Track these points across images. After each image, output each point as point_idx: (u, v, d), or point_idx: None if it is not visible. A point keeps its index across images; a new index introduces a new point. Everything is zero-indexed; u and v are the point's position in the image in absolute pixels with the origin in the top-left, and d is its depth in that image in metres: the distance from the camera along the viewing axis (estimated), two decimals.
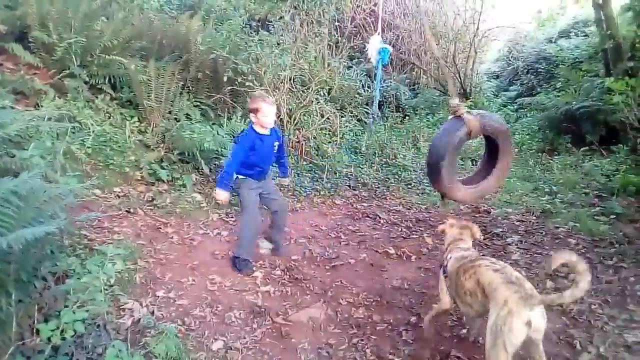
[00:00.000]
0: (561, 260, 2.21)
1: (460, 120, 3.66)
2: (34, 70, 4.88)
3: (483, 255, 2.92)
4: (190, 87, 5.90)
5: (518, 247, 4.41)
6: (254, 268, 3.87)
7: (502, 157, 3.96)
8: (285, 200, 4.25)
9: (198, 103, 5.83)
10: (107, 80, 5.21)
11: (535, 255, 4.22)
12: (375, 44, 4.08)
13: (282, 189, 5.06)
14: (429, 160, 3.85)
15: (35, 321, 2.27)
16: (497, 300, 2.22)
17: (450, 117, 3.79)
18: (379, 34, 4.12)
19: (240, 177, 3.84)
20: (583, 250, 4.22)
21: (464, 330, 3.09)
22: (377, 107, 7.89)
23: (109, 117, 5.00)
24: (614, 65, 7.30)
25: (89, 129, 4.55)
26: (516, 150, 8.23)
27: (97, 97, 5.02)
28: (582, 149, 7.43)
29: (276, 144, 3.93)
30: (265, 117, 3.69)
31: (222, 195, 3.71)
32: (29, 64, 4.84)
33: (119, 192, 4.35)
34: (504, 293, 2.21)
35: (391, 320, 3.26)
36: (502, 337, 2.13)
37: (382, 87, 9.96)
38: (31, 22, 4.78)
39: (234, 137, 5.67)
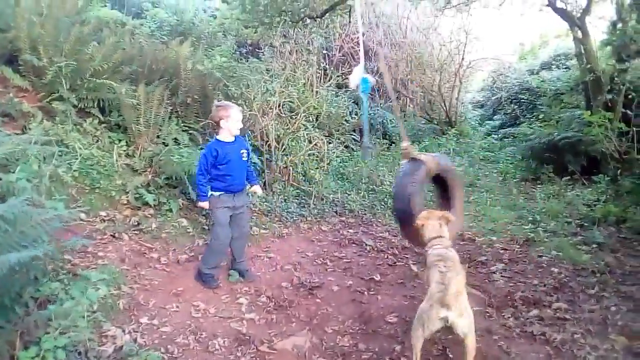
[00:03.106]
0: None
1: (417, 162, 3.77)
2: (23, 93, 4.86)
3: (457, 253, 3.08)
4: (179, 112, 5.92)
5: (502, 275, 4.44)
6: (224, 285, 3.94)
7: (456, 193, 4.07)
8: (247, 227, 4.21)
9: (187, 128, 5.84)
10: (96, 104, 5.19)
11: (519, 283, 4.26)
12: (357, 74, 4.20)
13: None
14: (397, 206, 3.81)
15: (17, 348, 2.23)
16: (430, 293, 2.70)
17: (403, 161, 3.90)
18: (362, 64, 4.23)
19: (214, 194, 3.90)
20: (566, 280, 4.27)
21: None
22: (367, 137, 8.00)
23: (97, 141, 4.97)
24: (594, 97, 7.53)
25: (76, 152, 4.53)
26: (500, 179, 8.37)
27: (85, 121, 4.99)
28: (564, 178, 7.56)
29: (243, 151, 3.99)
30: (236, 121, 3.86)
31: (205, 205, 3.93)
32: (18, 87, 4.82)
33: (105, 216, 4.31)
34: (432, 289, 2.68)
35: (376, 349, 3.25)
36: (423, 322, 2.64)
37: (369, 115, 10.11)
38: (22, 45, 4.78)
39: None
